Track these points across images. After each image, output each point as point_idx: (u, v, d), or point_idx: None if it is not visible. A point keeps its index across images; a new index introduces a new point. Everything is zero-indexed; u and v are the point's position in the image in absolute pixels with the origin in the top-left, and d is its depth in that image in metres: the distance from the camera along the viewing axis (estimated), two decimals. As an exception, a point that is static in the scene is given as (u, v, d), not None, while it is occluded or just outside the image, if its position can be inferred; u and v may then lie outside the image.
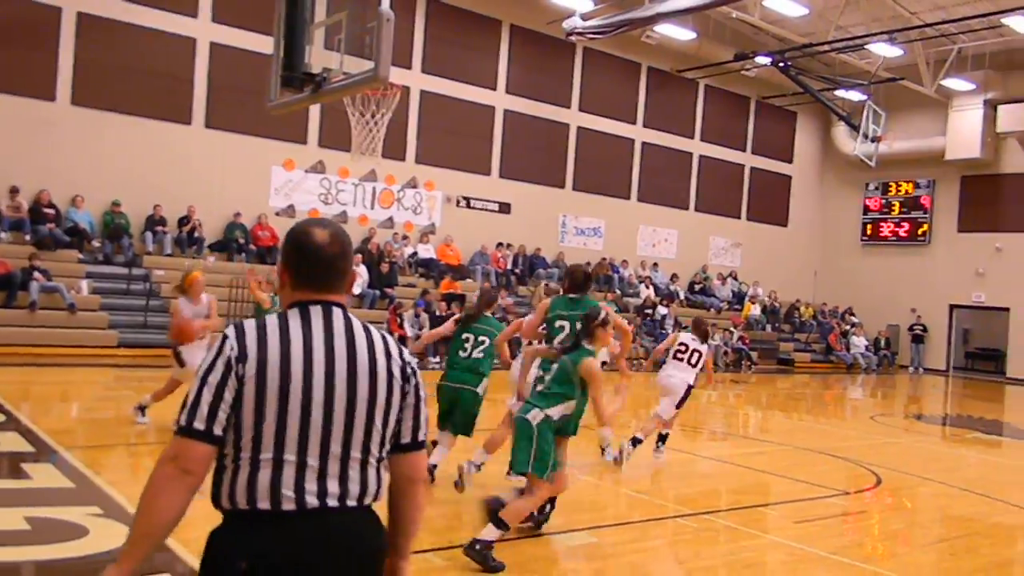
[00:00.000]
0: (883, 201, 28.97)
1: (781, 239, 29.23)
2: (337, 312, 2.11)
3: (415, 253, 20.79)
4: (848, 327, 27.23)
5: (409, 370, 2.15)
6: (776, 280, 27.99)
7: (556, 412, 5.26)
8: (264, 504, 1.97)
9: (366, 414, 2.06)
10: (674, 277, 25.38)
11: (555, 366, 5.42)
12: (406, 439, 2.17)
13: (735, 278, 27.28)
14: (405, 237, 20.96)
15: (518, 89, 22.80)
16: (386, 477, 2.15)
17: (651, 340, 21.69)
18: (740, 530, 6.55)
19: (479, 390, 6.76)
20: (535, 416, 5.22)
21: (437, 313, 17.92)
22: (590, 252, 24.14)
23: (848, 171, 29.11)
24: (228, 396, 1.97)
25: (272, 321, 2.07)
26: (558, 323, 6.14)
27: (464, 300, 19.49)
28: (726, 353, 22.91)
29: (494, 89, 22.47)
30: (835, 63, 25.31)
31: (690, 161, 26.69)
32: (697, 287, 25.98)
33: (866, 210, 29.34)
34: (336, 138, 17.21)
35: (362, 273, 18.32)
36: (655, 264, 25.54)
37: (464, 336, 6.88)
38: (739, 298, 26.54)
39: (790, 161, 29.52)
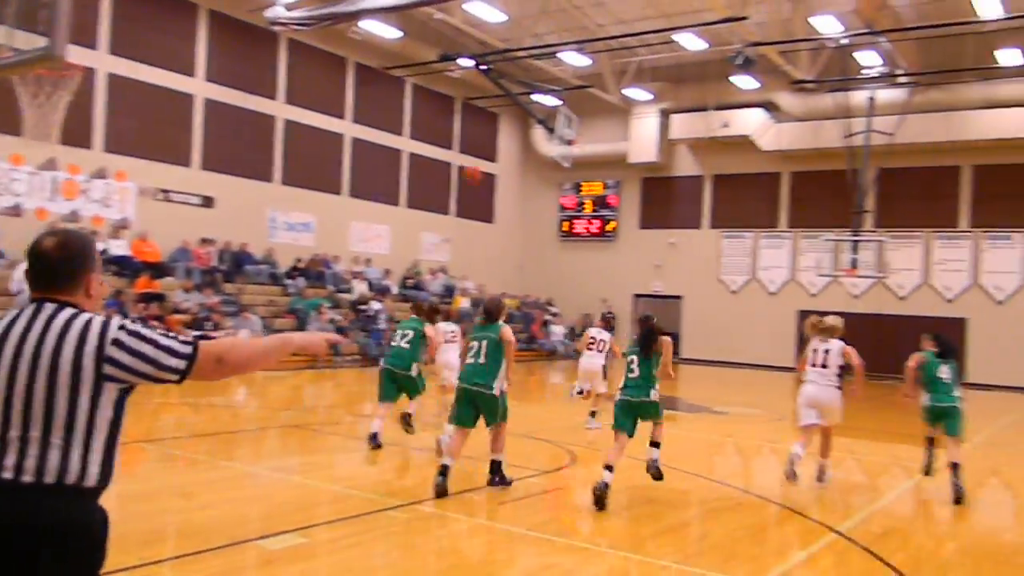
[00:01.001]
0: (577, 200, 31.13)
1: (488, 235, 30.44)
2: (47, 307, 2.34)
3: (105, 250, 19.06)
4: (549, 316, 28.95)
5: (118, 343, 2.30)
6: (484, 274, 29.11)
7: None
8: None
9: (44, 400, 2.23)
10: (387, 272, 25.51)
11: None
12: (173, 379, 2.38)
13: (445, 272, 27.98)
14: (94, 232, 19.14)
15: (219, 77, 21.66)
16: (95, 459, 2.29)
17: (364, 336, 21.63)
18: (448, 516, 6.72)
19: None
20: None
21: (131, 315, 16.57)
22: (301, 248, 23.57)
23: (546, 171, 30.94)
24: None
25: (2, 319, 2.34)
26: (471, 342, 7.81)
27: (163, 299, 18.20)
28: (437, 345, 23.38)
29: (192, 76, 21.18)
30: (532, 68, 26.76)
31: (400, 158, 26.95)
32: (410, 282, 26.31)
33: (562, 208, 31.38)
34: (5, 121, 15.30)
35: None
36: (368, 260, 25.50)
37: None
38: (450, 291, 27.24)
39: (494, 160, 30.80)
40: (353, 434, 11.14)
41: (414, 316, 10.02)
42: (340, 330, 21.00)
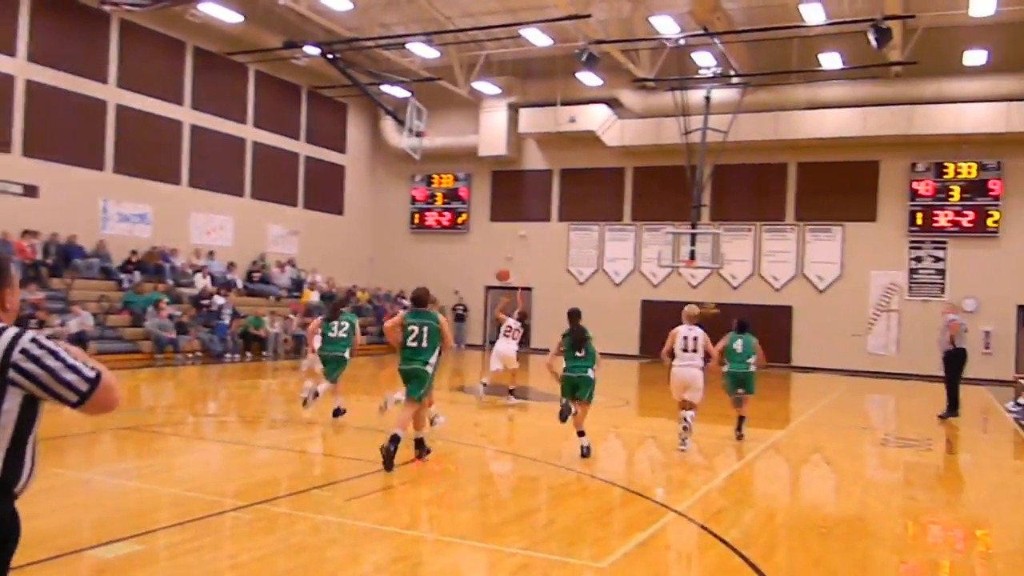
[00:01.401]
0: (428, 192, 31.07)
1: (337, 227, 29.90)
2: None
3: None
4: (402, 309, 28.77)
5: (19, 363, 2.43)
6: (334, 267, 28.58)
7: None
8: None
9: None
10: (231, 266, 24.60)
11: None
12: (71, 400, 2.49)
13: (294, 265, 27.29)
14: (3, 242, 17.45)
15: (43, 58, 20.21)
16: (31, 459, 2.54)
17: (208, 332, 20.79)
18: (295, 515, 6.58)
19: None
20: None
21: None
22: (137, 240, 22.38)
23: (397, 163, 30.69)
24: None
25: None
26: (410, 327, 8.79)
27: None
28: (285, 341, 22.84)
29: (13, 56, 19.67)
30: (380, 59, 26.46)
31: (244, 147, 26.03)
32: (256, 276, 25.49)
33: (413, 200, 31.23)
34: None
35: None
36: (211, 252, 24.50)
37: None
38: (298, 285, 26.60)
39: (343, 151, 30.27)
40: (197, 435, 10.71)
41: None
42: (181, 326, 20.11)
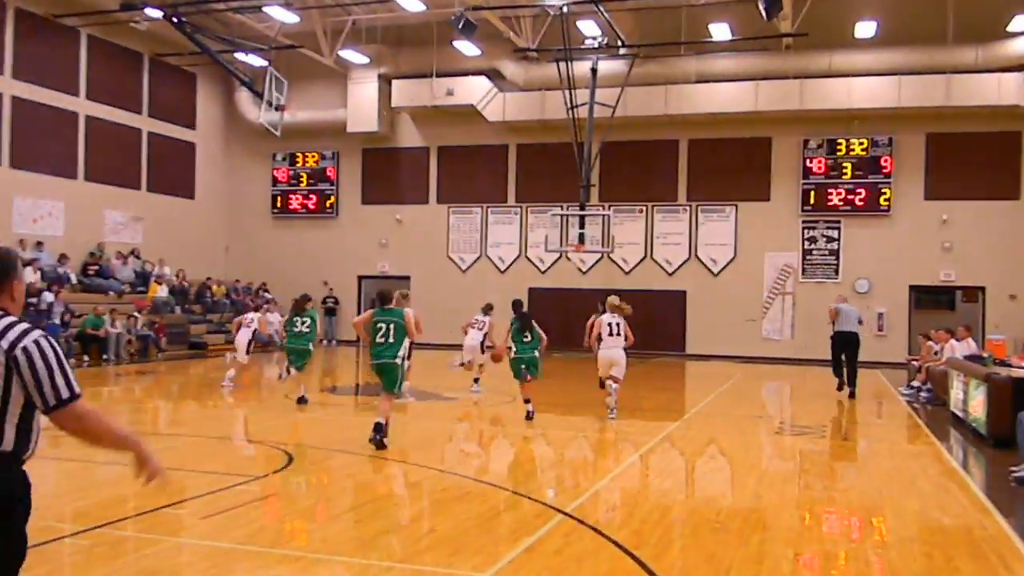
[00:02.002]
0: (291, 172, 30.46)
1: (188, 212, 28.95)
2: None
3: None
4: (263, 303, 28.11)
5: (19, 358, 3.02)
6: (184, 257, 27.66)
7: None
8: None
9: None
10: (63, 258, 23.47)
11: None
12: (40, 407, 3.07)
13: (137, 256, 26.28)
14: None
15: None
16: (10, 431, 3.06)
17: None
18: (143, 538, 6.36)
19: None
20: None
21: None
22: (-52, 231, 21.07)
23: (255, 140, 29.94)
24: None
25: None
26: (378, 324, 10.29)
27: None
28: (129, 342, 22.01)
29: None
30: (234, 24, 25.72)
31: (76, 122, 24.83)
32: (92, 269, 24.41)
33: (275, 181, 30.56)
34: None
35: None
36: (39, 243, 23.31)
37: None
38: (143, 279, 25.64)
39: (193, 127, 29.31)
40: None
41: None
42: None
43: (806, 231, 26.08)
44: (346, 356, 25.61)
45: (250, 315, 17.30)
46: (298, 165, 30.41)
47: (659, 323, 25.90)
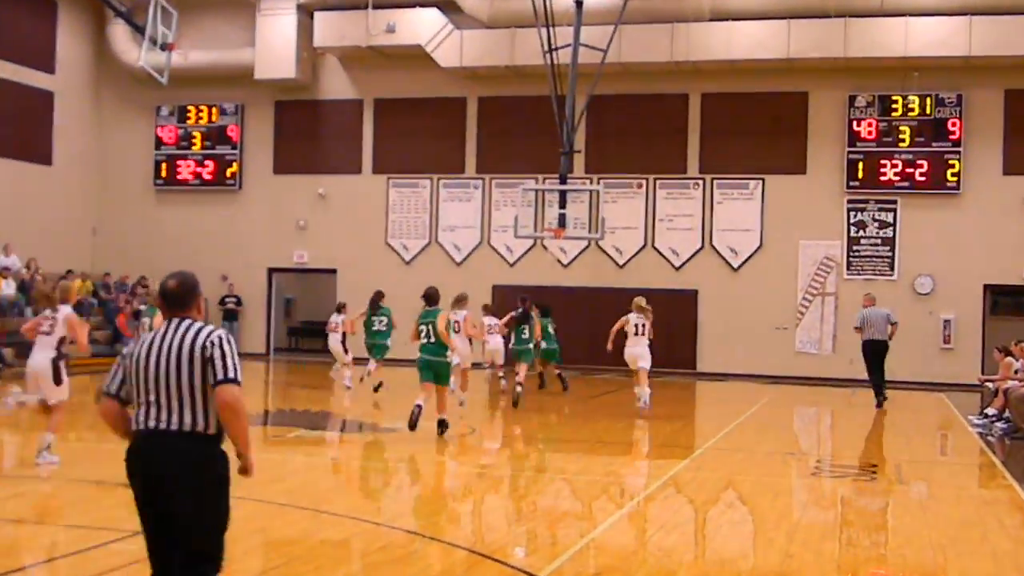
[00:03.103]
0: (180, 131, 30.25)
1: (42, 183, 28.70)
2: (175, 321, 5.06)
3: None
4: (142, 305, 27.91)
5: (207, 347, 4.92)
6: (37, 243, 27.44)
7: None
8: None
9: (177, 372, 4.90)
10: None
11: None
12: (211, 381, 4.91)
13: (-26, 241, 26.06)
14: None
15: None
16: (212, 416, 4.95)
17: None
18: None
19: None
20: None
21: None
22: None
23: (134, 89, 29.71)
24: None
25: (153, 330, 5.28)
26: (421, 325, 14.15)
27: None
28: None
29: None
30: (107, -64, 25.50)
31: None
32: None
33: (159, 143, 30.35)
34: None
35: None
36: None
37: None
38: (-18, 271, 25.41)
39: (51, 71, 29.04)
40: None
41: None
42: None
43: (852, 214, 26.31)
44: (253, 372, 25.49)
45: (334, 318, 21.06)
46: (190, 122, 30.23)
47: (663, 332, 25.82)
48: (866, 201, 26.21)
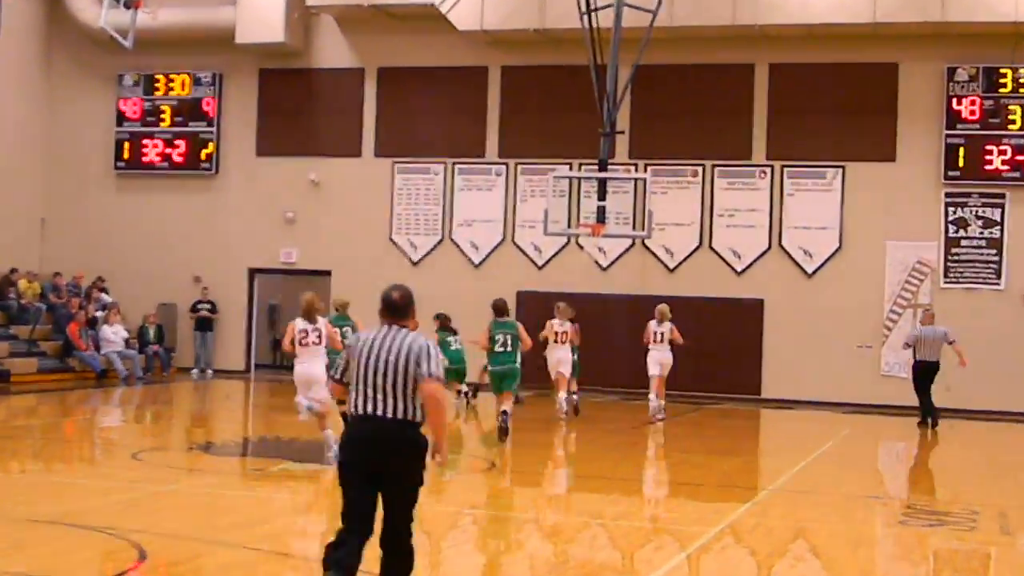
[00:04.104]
0: (147, 105, 30.39)
1: (-18, 165, 28.94)
2: (394, 327, 7.27)
3: None
4: (99, 310, 28.07)
5: (419, 350, 7.08)
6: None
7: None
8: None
9: (394, 370, 7.06)
10: None
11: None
12: (421, 376, 7.08)
13: (-98, 234, 26.29)
14: None
15: None
16: (419, 407, 7.12)
17: None
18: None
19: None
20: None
21: None
22: None
23: (91, 53, 29.89)
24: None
25: (372, 331, 7.46)
26: (498, 335, 18.39)
27: None
28: None
29: None
30: None
31: None
32: None
33: (122, 118, 30.49)
34: None
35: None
36: None
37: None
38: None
39: (-7, 31, 29.30)
40: None
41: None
42: None
43: (952, 209, 26.22)
44: (229, 392, 25.60)
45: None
46: (159, 93, 30.39)
47: (722, 350, 26.01)
48: (968, 194, 26.08)
